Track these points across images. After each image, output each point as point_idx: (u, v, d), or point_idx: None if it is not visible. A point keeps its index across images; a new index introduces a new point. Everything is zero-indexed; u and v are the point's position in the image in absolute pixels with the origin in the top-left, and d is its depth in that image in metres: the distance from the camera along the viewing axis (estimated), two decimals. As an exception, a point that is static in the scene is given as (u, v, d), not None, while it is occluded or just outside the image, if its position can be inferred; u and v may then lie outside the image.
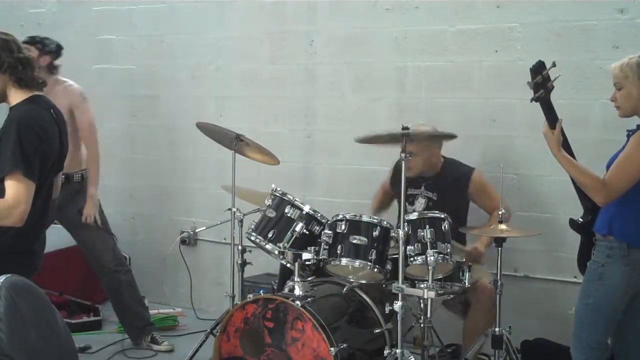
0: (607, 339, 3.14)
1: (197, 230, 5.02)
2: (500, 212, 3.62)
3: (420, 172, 4.10)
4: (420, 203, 4.12)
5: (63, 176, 4.41)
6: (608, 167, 3.11)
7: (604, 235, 3.08)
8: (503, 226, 3.61)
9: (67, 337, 2.15)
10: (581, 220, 3.33)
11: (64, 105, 4.49)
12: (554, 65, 3.10)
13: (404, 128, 3.36)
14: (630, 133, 3.05)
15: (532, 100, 3.17)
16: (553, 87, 3.14)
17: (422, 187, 4.13)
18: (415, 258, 3.50)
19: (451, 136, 3.66)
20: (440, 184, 4.11)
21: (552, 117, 3.15)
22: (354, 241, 3.55)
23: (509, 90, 4.30)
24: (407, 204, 4.08)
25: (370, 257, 3.53)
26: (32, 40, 4.42)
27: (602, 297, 3.06)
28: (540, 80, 3.11)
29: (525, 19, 4.26)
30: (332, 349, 3.23)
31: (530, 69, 3.14)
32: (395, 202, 4.30)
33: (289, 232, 3.66)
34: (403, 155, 3.35)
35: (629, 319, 3.12)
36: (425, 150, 4.04)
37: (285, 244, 3.64)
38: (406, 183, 3.38)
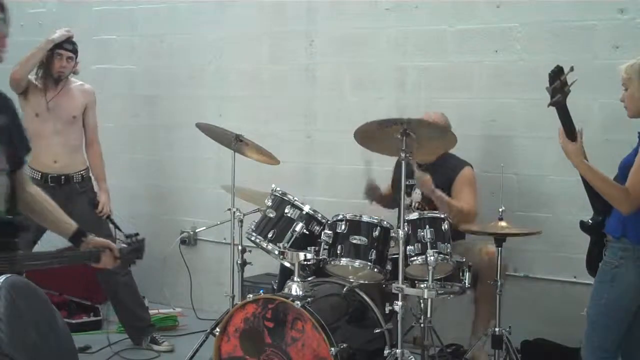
0: (619, 340, 3.13)
1: (197, 230, 5.02)
2: (500, 210, 3.62)
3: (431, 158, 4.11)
4: (417, 193, 4.11)
5: (63, 177, 4.44)
6: (621, 168, 3.09)
7: (617, 238, 3.06)
8: (503, 223, 3.61)
9: (67, 337, 2.15)
10: (591, 221, 3.31)
11: (79, 104, 4.54)
12: (571, 69, 3.09)
13: (404, 128, 3.36)
14: None
15: (549, 105, 3.15)
16: (570, 91, 3.12)
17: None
18: (416, 258, 3.51)
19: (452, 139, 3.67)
20: (435, 173, 4.09)
21: (568, 122, 3.13)
22: (354, 241, 3.55)
23: (509, 90, 4.30)
24: (405, 194, 4.09)
25: (370, 257, 3.53)
26: (74, 50, 4.48)
27: (615, 299, 3.05)
28: (558, 85, 3.10)
29: (525, 19, 4.26)
30: (332, 349, 3.23)
31: (549, 73, 3.12)
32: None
33: (289, 232, 3.66)
34: (403, 155, 3.35)
35: (639, 321, 3.11)
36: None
37: (285, 244, 3.64)
38: (405, 181, 3.38)
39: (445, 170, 4.11)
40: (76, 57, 4.47)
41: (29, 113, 4.38)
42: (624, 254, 3.02)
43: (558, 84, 3.10)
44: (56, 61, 4.39)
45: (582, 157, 3.08)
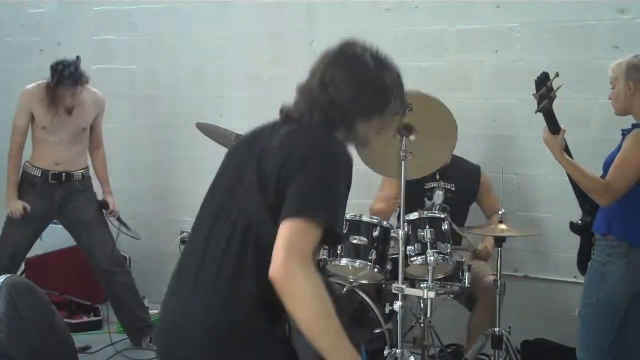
0: (612, 338, 3.14)
1: (197, 230, 5.01)
2: (500, 212, 3.63)
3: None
4: (439, 195, 4.12)
5: (64, 174, 4.44)
6: (604, 166, 3.14)
7: (603, 235, 3.10)
8: (503, 226, 3.62)
9: (67, 337, 2.14)
10: (580, 222, 3.34)
11: (90, 116, 4.52)
12: (557, 75, 3.13)
13: (404, 128, 3.36)
14: (625, 132, 3.10)
15: (536, 111, 3.20)
16: (555, 96, 3.16)
17: (438, 179, 4.14)
18: (415, 258, 3.51)
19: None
20: (454, 174, 4.12)
21: (554, 126, 3.18)
22: (354, 241, 3.54)
23: (509, 90, 4.30)
24: (425, 198, 4.10)
25: (370, 257, 3.53)
26: (76, 82, 4.25)
27: (605, 297, 3.07)
28: (545, 92, 3.14)
29: (525, 19, 4.26)
30: (332, 349, 3.22)
31: (535, 80, 3.17)
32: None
33: (289, 232, 3.65)
34: (403, 155, 3.35)
35: (631, 319, 3.12)
36: None
37: (286, 244, 3.63)
38: (407, 182, 3.38)
39: (466, 171, 4.15)
40: (79, 78, 4.27)
41: (35, 123, 4.38)
42: (611, 250, 3.05)
43: (544, 90, 3.13)
44: (61, 100, 4.28)
45: (562, 151, 3.15)
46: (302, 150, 1.98)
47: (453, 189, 4.13)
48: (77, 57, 4.36)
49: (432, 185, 4.14)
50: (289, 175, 1.92)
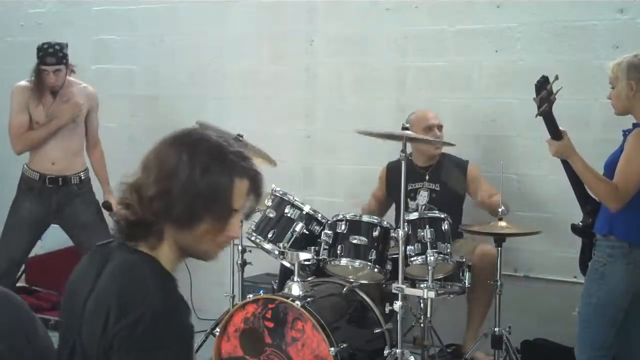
0: (612, 339, 3.14)
1: (197, 230, 5.01)
2: (500, 210, 3.63)
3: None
4: (423, 196, 4.12)
5: (61, 178, 4.42)
6: (605, 167, 3.13)
7: (604, 235, 3.09)
8: (503, 223, 3.61)
9: (47, 343, 2.05)
10: (581, 224, 3.33)
11: (83, 106, 4.49)
12: (556, 78, 3.13)
13: (404, 128, 3.37)
14: (626, 133, 3.09)
15: (537, 115, 3.19)
16: (555, 99, 3.16)
17: (426, 180, 4.13)
18: (416, 258, 3.51)
19: (449, 145, 3.68)
20: (441, 174, 4.12)
21: (554, 129, 3.18)
22: (354, 241, 3.55)
23: (509, 90, 4.30)
24: (408, 199, 4.10)
25: (370, 257, 3.53)
26: (60, 60, 4.26)
27: (605, 297, 3.06)
28: (545, 95, 3.14)
29: (525, 19, 4.26)
30: (332, 349, 3.23)
31: (535, 84, 3.17)
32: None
33: (289, 232, 3.66)
34: (402, 155, 3.36)
35: (632, 319, 3.12)
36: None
37: (285, 244, 3.64)
38: (406, 182, 3.39)
39: (452, 169, 4.13)
40: (66, 63, 4.31)
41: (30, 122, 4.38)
42: (612, 251, 3.05)
43: (544, 93, 3.14)
44: (44, 78, 4.28)
45: (575, 151, 3.12)
46: (123, 323, 1.58)
47: (438, 189, 4.12)
48: (66, 44, 4.35)
49: (417, 186, 4.13)
50: (114, 350, 1.58)
